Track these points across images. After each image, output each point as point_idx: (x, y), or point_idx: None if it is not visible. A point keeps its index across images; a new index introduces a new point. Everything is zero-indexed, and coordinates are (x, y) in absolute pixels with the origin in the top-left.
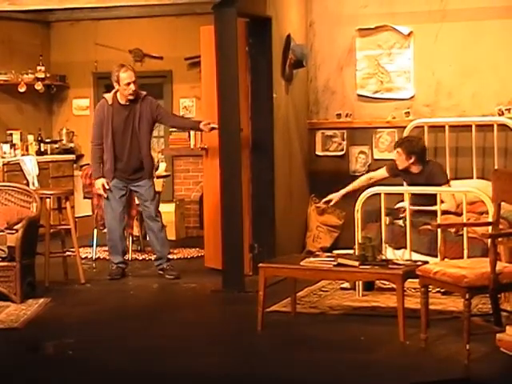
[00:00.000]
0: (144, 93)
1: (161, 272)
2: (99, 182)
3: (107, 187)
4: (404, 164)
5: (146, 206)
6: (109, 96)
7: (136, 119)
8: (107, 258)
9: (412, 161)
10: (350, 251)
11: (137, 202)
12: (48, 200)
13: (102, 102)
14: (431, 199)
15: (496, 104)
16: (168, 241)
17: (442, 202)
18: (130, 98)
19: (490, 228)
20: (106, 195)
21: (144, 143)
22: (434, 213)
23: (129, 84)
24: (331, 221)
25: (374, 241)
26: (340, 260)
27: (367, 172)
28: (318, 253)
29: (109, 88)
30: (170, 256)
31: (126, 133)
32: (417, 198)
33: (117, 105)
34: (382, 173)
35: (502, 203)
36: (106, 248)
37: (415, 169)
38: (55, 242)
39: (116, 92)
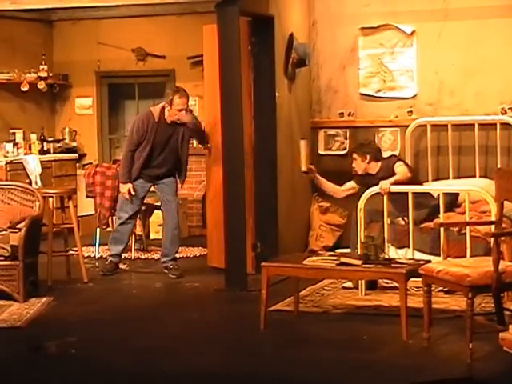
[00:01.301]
0: (190, 110)
1: (165, 270)
2: (126, 187)
3: (133, 193)
4: (361, 167)
5: (169, 200)
6: (156, 111)
7: (179, 138)
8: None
9: (367, 160)
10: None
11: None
12: (51, 199)
13: (147, 114)
14: (419, 196)
15: (499, 103)
16: (179, 241)
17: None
18: (178, 122)
19: (492, 227)
20: (129, 200)
21: (183, 157)
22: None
23: (181, 110)
24: (334, 220)
25: (377, 240)
26: (343, 259)
27: None
28: (320, 252)
29: (111, 87)
30: (177, 255)
31: (165, 149)
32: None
33: (162, 122)
34: (350, 183)
35: (505, 202)
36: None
37: (373, 169)
38: (58, 241)
39: (163, 108)
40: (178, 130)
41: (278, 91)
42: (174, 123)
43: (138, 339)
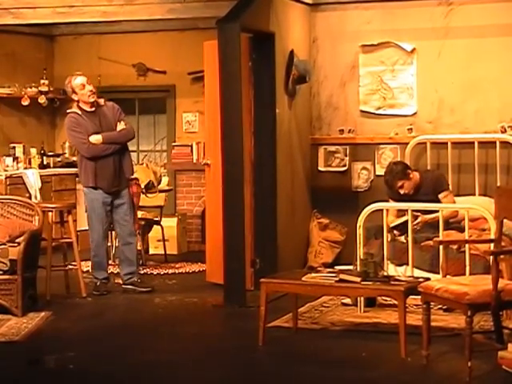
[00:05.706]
0: (102, 99)
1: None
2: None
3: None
4: (411, 185)
5: (127, 221)
6: (73, 109)
7: (108, 122)
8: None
9: (412, 175)
10: (352, 267)
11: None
12: (50, 213)
13: (71, 114)
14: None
15: (498, 121)
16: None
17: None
18: (92, 99)
19: (492, 245)
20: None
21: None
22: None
23: (84, 86)
24: (333, 236)
25: (376, 257)
26: (342, 276)
27: (369, 188)
28: (319, 268)
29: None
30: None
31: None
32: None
33: (85, 113)
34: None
35: (505, 220)
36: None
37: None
38: (57, 256)
39: (78, 104)
40: (100, 113)
41: (278, 107)
42: (94, 107)
43: (136, 354)
